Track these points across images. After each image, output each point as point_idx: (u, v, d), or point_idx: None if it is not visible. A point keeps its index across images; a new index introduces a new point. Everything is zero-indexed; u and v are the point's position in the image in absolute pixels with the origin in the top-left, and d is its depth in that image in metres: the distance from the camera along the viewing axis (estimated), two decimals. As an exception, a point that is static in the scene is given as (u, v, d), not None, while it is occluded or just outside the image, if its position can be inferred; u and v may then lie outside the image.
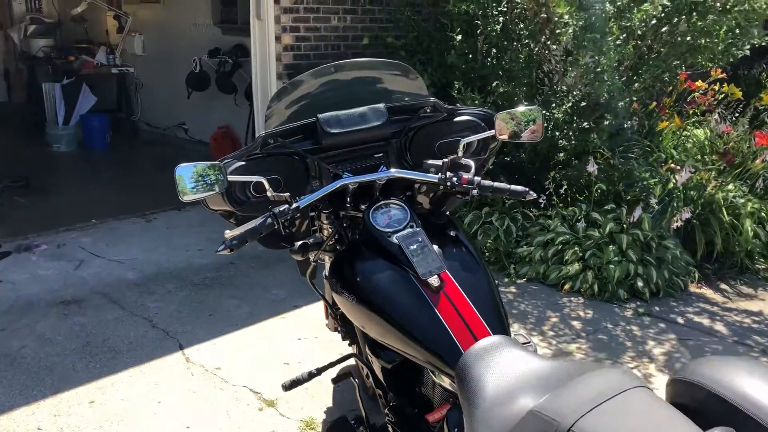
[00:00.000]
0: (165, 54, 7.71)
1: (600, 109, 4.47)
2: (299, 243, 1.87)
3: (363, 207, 1.87)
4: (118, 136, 7.99)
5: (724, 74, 5.19)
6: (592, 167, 4.06)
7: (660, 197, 4.12)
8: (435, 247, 1.72)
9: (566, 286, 4.04)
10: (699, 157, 4.86)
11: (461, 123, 2.15)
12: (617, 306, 3.90)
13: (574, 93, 4.35)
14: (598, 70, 4.02)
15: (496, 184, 1.90)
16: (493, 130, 2.05)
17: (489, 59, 4.84)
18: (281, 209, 1.71)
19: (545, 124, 4.31)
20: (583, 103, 4.43)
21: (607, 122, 4.11)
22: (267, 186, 1.78)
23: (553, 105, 4.36)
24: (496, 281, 4.07)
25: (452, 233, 1.89)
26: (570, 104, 4.25)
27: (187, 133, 7.67)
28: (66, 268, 4.26)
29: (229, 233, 1.73)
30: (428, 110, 2.12)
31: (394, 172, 1.91)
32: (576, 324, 3.68)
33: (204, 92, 7.16)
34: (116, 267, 4.29)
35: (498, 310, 1.69)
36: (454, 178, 1.85)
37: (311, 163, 1.99)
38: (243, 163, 1.91)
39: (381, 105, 2.02)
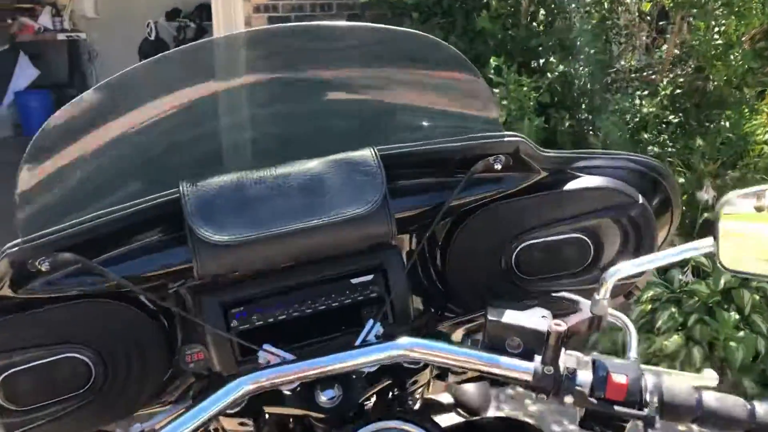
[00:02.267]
0: (122, 16, 6.33)
1: (696, 97, 3.09)
2: None
3: (324, 400, 0.79)
4: (67, 118, 6.63)
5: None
6: (707, 194, 2.65)
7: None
8: None
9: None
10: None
11: (582, 196, 0.90)
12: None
13: (669, 76, 2.96)
14: (719, 41, 2.62)
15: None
16: (712, 243, 0.75)
17: (536, 24, 3.47)
18: None
19: (627, 121, 2.93)
20: (678, 91, 3.04)
21: (729, 121, 2.70)
22: None
23: (638, 93, 2.98)
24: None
25: None
26: (666, 93, 2.86)
27: (149, 113, 6.30)
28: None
29: None
30: (498, 164, 0.85)
31: (408, 345, 0.74)
32: (689, 446, 2.36)
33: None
34: None
35: None
36: (582, 380, 0.71)
37: (175, 315, 0.85)
38: None
39: (366, 152, 0.82)
